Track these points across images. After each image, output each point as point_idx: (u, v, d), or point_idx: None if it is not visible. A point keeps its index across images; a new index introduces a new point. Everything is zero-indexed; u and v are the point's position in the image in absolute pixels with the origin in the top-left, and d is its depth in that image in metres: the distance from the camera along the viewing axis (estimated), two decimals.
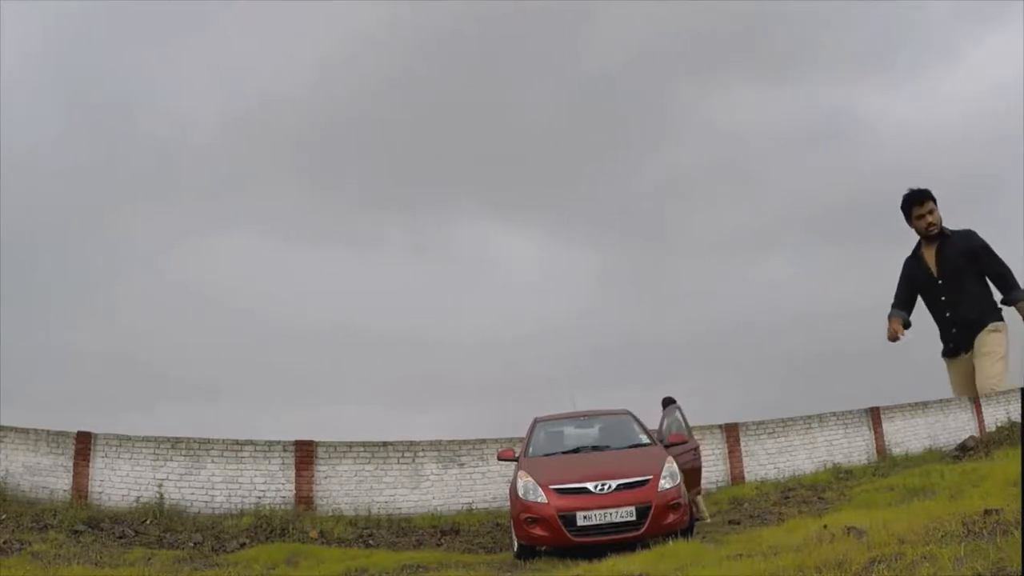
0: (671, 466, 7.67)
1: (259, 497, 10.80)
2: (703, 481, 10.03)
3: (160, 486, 10.54)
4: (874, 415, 14.13)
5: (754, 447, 13.43)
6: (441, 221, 42.32)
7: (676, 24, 38.99)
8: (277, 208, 41.09)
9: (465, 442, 11.99)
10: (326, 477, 11.24)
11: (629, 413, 9.23)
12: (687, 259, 42.20)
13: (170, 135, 36.93)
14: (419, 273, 41.26)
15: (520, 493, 7.59)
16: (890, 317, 8.22)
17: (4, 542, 8.08)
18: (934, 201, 7.77)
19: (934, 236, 7.82)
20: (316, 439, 11.46)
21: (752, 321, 36.83)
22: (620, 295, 40.94)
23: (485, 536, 9.90)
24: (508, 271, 42.52)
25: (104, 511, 10.09)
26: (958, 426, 14.04)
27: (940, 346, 7.94)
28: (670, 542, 6.51)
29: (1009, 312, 7.03)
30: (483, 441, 11.96)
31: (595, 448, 8.53)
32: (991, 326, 7.85)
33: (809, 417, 13.92)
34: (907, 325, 7.92)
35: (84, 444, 10.83)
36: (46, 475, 10.74)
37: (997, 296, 7.45)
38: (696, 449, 9.63)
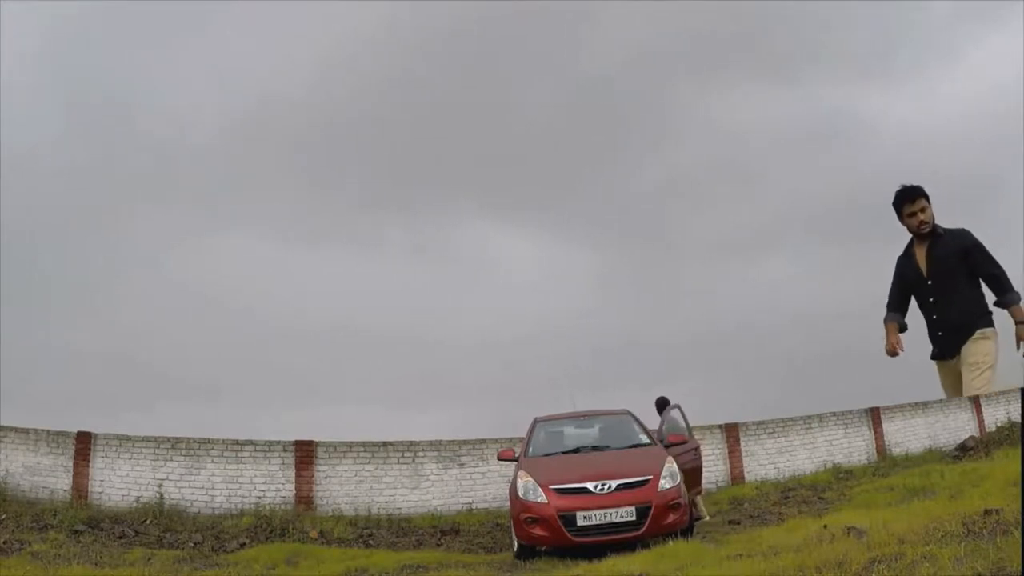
0: (671, 466, 7.68)
1: (259, 497, 10.80)
2: (703, 481, 10.03)
3: (160, 486, 10.53)
4: (874, 415, 14.12)
5: (754, 447, 13.43)
6: (441, 221, 42.32)
7: (676, 24, 38.95)
8: (277, 208, 41.11)
9: (465, 442, 11.98)
10: (326, 477, 11.24)
11: (629, 413, 9.24)
12: (687, 259, 42.19)
13: (169, 135, 36.92)
14: (419, 273, 41.27)
15: (520, 493, 7.59)
16: (886, 321, 8.19)
17: (4, 542, 8.09)
18: (926, 199, 7.65)
19: (926, 234, 7.73)
20: (316, 439, 11.46)
21: (752, 321, 36.82)
22: (620, 295, 40.94)
23: (485, 536, 9.90)
24: (508, 271, 42.53)
25: (104, 511, 10.09)
26: (958, 426, 14.02)
27: None
28: (670, 542, 6.52)
29: (1000, 315, 6.93)
30: (483, 441, 11.96)
31: (595, 448, 8.54)
32: (978, 333, 7.74)
33: (809, 417, 13.91)
34: (903, 328, 7.87)
35: (84, 444, 10.82)
36: (46, 475, 10.73)
37: (990, 298, 7.32)
38: (697, 449, 9.63)
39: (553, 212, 43.74)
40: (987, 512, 4.07)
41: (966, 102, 41.33)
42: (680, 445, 8.78)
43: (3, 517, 9.35)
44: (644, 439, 8.56)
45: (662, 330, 37.11)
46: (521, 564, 7.23)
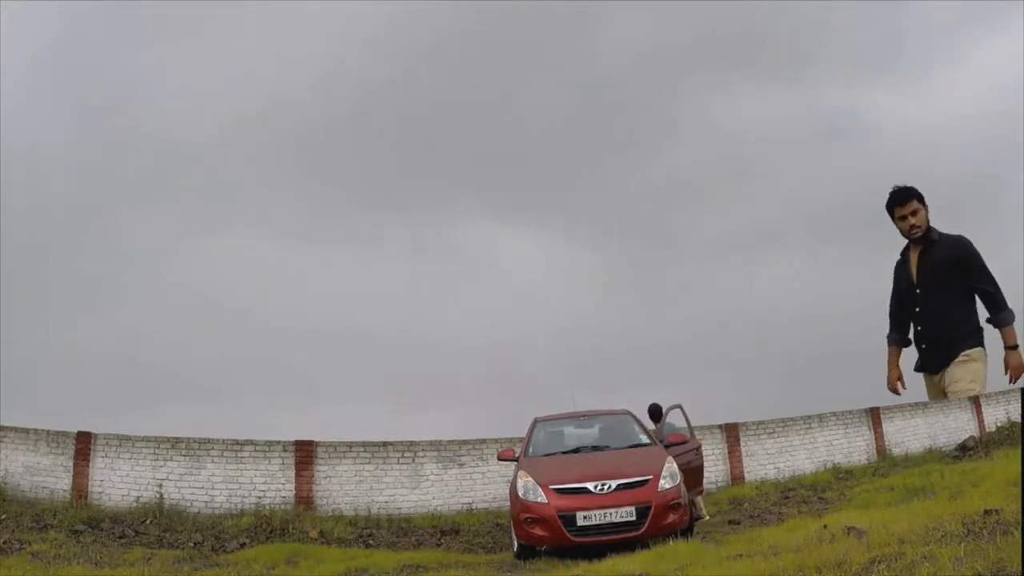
0: (671, 466, 7.68)
1: (259, 497, 10.80)
2: (704, 481, 10.03)
3: (160, 486, 10.54)
4: (874, 415, 14.12)
5: (754, 447, 13.43)
6: (441, 221, 42.31)
7: (678, 25, 38.98)
8: (277, 208, 41.04)
9: (465, 442, 11.98)
10: (326, 477, 11.24)
11: (629, 413, 9.24)
12: (687, 259, 42.17)
13: (170, 135, 36.89)
14: (419, 273, 41.23)
15: (520, 493, 7.59)
16: (888, 342, 7.91)
17: (4, 542, 8.09)
18: (920, 200, 7.31)
19: (919, 239, 7.41)
20: (316, 439, 11.46)
21: (752, 321, 36.82)
22: (621, 295, 40.91)
23: (485, 536, 9.90)
24: (508, 271, 42.50)
25: (104, 511, 10.09)
26: (958, 426, 14.02)
27: None
28: (670, 542, 6.53)
29: (991, 332, 6.70)
30: (483, 441, 11.96)
31: (595, 448, 8.54)
32: (963, 355, 7.40)
33: (809, 417, 13.91)
34: (906, 344, 7.64)
35: (84, 444, 10.83)
36: (46, 475, 10.73)
37: (984, 312, 7.00)
38: (698, 449, 9.64)
39: (554, 212, 43.77)
40: (987, 512, 4.08)
41: (967, 103, 41.38)
42: (681, 445, 8.79)
43: (3, 517, 9.35)
44: (644, 439, 8.56)
45: (663, 330, 37.11)
46: (521, 564, 7.22)
